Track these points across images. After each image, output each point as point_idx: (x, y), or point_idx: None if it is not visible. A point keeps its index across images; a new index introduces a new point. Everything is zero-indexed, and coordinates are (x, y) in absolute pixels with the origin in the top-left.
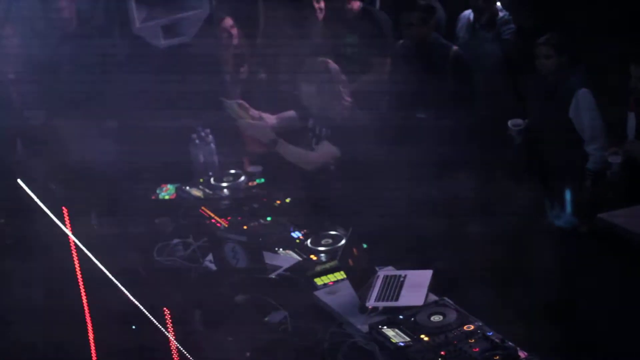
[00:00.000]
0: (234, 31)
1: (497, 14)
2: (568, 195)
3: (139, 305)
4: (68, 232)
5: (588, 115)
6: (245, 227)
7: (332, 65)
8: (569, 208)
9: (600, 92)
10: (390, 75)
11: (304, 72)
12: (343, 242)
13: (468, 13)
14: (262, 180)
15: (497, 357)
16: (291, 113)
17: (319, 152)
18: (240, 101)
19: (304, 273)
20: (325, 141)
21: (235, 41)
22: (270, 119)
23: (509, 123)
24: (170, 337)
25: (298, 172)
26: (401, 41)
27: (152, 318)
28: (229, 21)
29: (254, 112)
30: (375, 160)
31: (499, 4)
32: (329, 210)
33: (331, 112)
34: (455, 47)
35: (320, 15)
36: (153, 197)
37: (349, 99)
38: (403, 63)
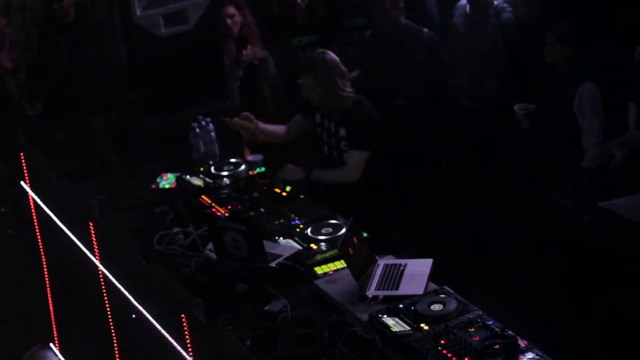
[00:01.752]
0: (237, 19)
1: (492, 3)
2: (570, 183)
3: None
4: (67, 231)
5: (589, 109)
6: (245, 216)
7: (330, 55)
8: (570, 196)
9: (604, 83)
10: (365, 66)
11: (303, 63)
12: (343, 231)
13: (464, 3)
14: (263, 169)
15: (497, 346)
16: (297, 117)
17: (352, 164)
18: (245, 113)
19: (304, 262)
20: (353, 150)
21: (236, 29)
22: (281, 128)
23: (516, 107)
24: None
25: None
26: (368, 32)
27: (148, 315)
28: (230, 9)
29: (263, 125)
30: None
31: None
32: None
33: (332, 103)
34: (426, 30)
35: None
36: (153, 186)
37: (348, 89)
38: (377, 52)
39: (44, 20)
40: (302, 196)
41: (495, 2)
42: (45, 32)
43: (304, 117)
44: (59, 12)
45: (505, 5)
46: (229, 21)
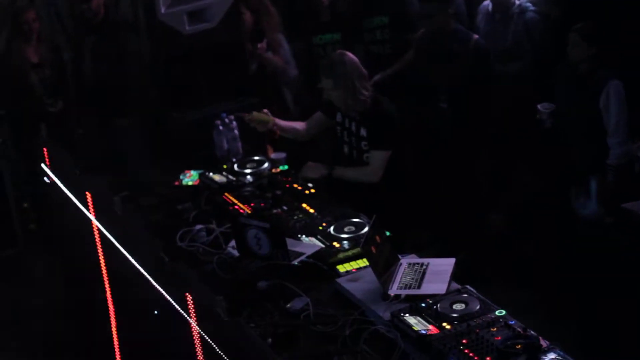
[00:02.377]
0: (247, 17)
1: (515, 2)
2: (593, 185)
3: (161, 291)
4: (92, 217)
5: (616, 107)
6: (268, 214)
7: (349, 57)
8: (594, 198)
9: (629, 82)
10: (411, 66)
11: (322, 67)
12: (366, 229)
13: (487, 4)
14: (286, 167)
15: (519, 346)
16: (318, 114)
17: (374, 164)
18: (265, 110)
19: (326, 260)
20: (374, 150)
21: (247, 25)
22: (300, 125)
23: (539, 106)
24: (193, 324)
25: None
26: (422, 30)
27: (175, 304)
28: (241, 8)
29: (280, 122)
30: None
31: None
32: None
33: (352, 104)
34: (475, 36)
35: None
36: (176, 183)
37: (367, 91)
38: (424, 53)
39: (73, 19)
40: (325, 194)
41: (518, 2)
42: (74, 31)
43: (324, 115)
44: (87, 13)
45: (529, 4)
46: (242, 17)
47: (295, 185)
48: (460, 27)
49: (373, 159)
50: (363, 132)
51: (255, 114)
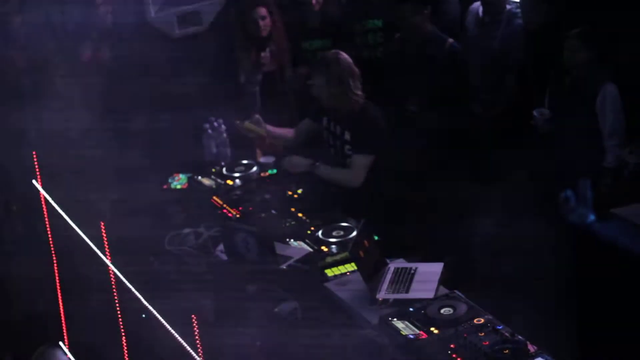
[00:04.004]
0: (268, 22)
1: (505, 7)
2: (584, 190)
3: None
4: (81, 233)
5: (612, 110)
6: (256, 218)
7: (344, 56)
8: (584, 203)
9: (624, 88)
10: (385, 69)
11: (316, 62)
12: (354, 233)
13: (477, 6)
14: (275, 171)
15: (507, 351)
16: (305, 121)
17: (354, 168)
18: (257, 116)
19: (315, 264)
20: (357, 154)
21: (265, 32)
22: (289, 132)
23: (535, 112)
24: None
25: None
26: (397, 35)
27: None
28: (262, 11)
29: (271, 129)
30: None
31: None
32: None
33: (341, 105)
34: (450, 40)
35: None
36: (165, 187)
37: (359, 92)
38: (398, 56)
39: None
40: (313, 198)
41: (508, 7)
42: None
43: (312, 121)
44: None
45: (519, 11)
46: (260, 23)
47: (288, 192)
48: (435, 30)
49: (354, 163)
50: (347, 136)
51: (246, 122)
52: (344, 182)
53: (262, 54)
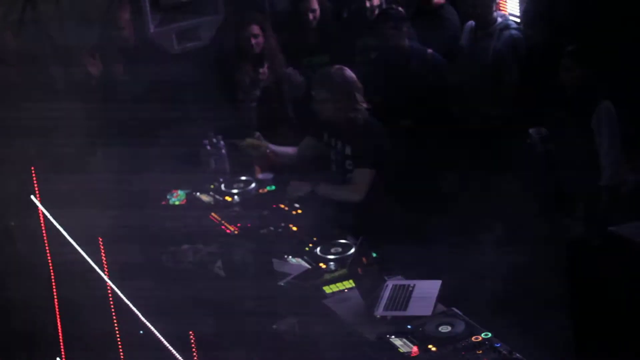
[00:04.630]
0: (260, 40)
1: (496, 20)
2: (581, 207)
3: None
4: (80, 250)
5: (608, 128)
6: (254, 234)
7: (348, 71)
8: (581, 220)
9: (621, 105)
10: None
11: (319, 75)
12: (352, 250)
13: (472, 23)
14: (273, 187)
15: None
16: (307, 139)
17: (356, 183)
18: (257, 134)
19: (313, 281)
20: (359, 169)
21: (258, 49)
22: (292, 150)
23: (531, 131)
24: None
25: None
26: (373, 55)
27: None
28: (255, 29)
29: (274, 147)
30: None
31: (496, 11)
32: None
33: (344, 119)
34: (430, 50)
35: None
36: (163, 203)
37: (364, 104)
38: (381, 74)
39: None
40: (311, 215)
41: (500, 20)
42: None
43: (313, 138)
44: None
45: (511, 22)
46: (252, 41)
47: (282, 206)
48: (415, 44)
49: (355, 177)
50: (348, 150)
51: (248, 140)
52: (345, 197)
53: (261, 70)
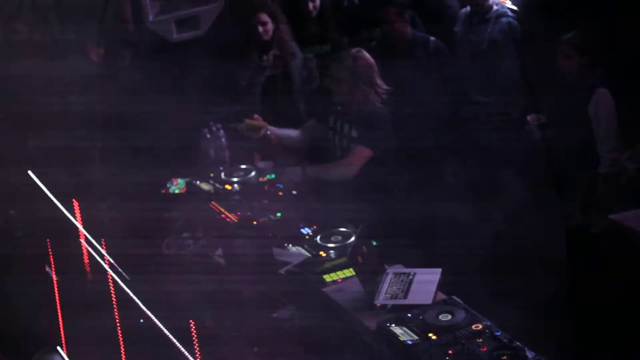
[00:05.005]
0: (269, 27)
1: (492, 7)
2: (580, 195)
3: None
4: (79, 224)
5: (605, 115)
6: (255, 223)
7: (366, 54)
8: (581, 208)
9: (618, 93)
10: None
11: (341, 54)
12: (353, 239)
13: (466, 10)
14: (273, 175)
15: (505, 357)
16: (311, 122)
17: (352, 157)
18: (256, 115)
19: (313, 269)
20: (357, 147)
21: (267, 37)
22: (294, 132)
23: (529, 118)
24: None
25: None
26: (373, 43)
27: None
28: (263, 17)
29: (274, 129)
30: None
31: None
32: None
33: (357, 100)
34: (432, 38)
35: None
36: (163, 191)
37: (384, 87)
38: (386, 61)
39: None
40: (312, 203)
41: (495, 7)
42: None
43: (318, 122)
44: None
45: (507, 9)
46: (260, 28)
47: (281, 194)
48: (417, 32)
49: (353, 153)
50: (354, 133)
51: (247, 121)
52: (338, 174)
53: (264, 57)
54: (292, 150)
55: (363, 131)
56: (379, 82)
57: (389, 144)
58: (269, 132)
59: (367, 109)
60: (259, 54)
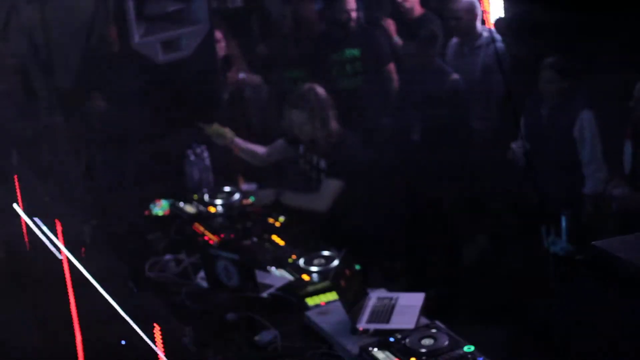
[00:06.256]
0: (222, 44)
1: (481, 35)
2: (564, 221)
3: (129, 320)
4: (61, 245)
5: (590, 137)
6: (238, 245)
7: (320, 89)
8: (565, 234)
9: (600, 118)
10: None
11: (293, 98)
12: (336, 262)
13: (457, 40)
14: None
15: None
16: (280, 142)
17: (325, 193)
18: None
19: (295, 293)
20: (328, 179)
21: (221, 53)
22: (260, 149)
23: (513, 144)
24: (160, 354)
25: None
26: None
27: (142, 334)
28: (217, 34)
29: (240, 141)
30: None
31: (480, 26)
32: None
33: (321, 137)
34: (455, 76)
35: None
36: (146, 213)
37: (335, 122)
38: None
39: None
40: (295, 227)
41: (485, 34)
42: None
43: (287, 144)
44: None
45: (494, 35)
46: (217, 46)
47: (269, 219)
48: (443, 65)
49: (324, 187)
50: (323, 164)
51: (215, 125)
52: (310, 206)
53: (228, 74)
54: (253, 165)
55: (330, 162)
56: (332, 114)
57: (357, 172)
58: (233, 145)
59: (332, 140)
60: (222, 71)
